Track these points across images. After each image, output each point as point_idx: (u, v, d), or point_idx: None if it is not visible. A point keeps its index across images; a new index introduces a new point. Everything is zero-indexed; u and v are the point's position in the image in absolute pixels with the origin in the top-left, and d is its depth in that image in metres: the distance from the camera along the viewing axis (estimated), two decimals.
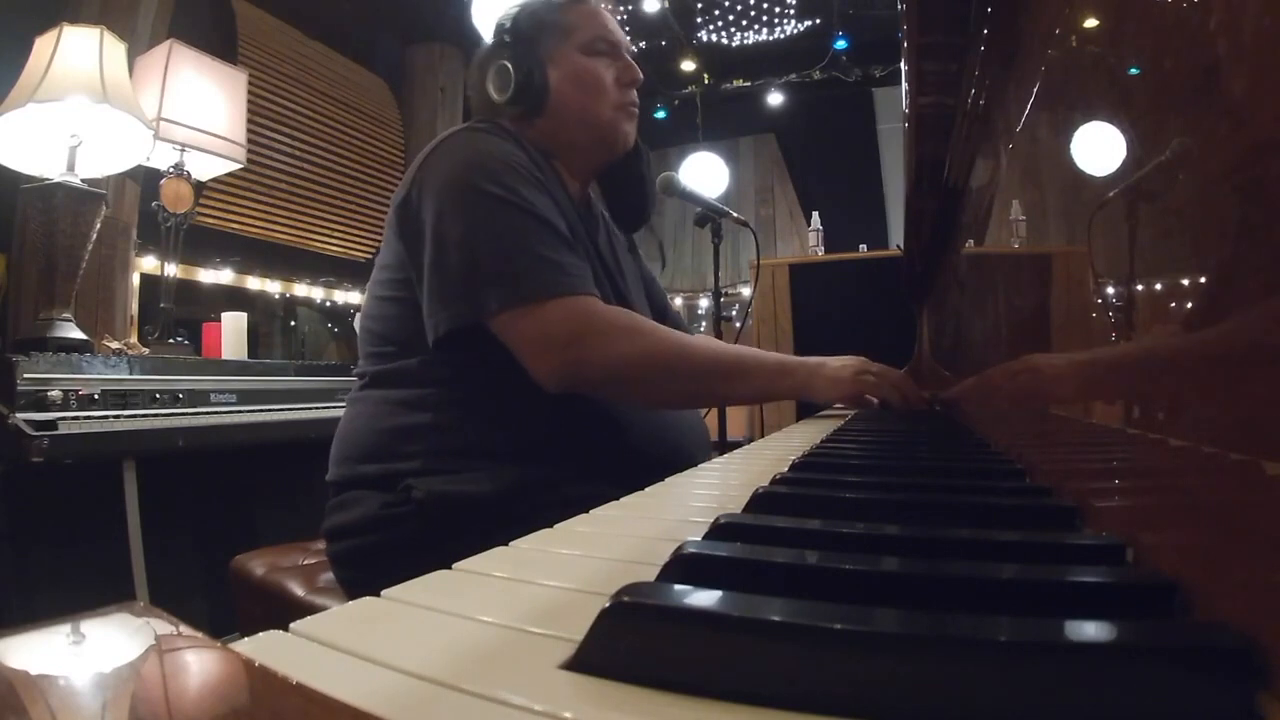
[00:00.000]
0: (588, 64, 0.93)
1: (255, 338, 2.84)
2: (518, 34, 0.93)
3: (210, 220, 2.71)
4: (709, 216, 1.66)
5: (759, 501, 0.37)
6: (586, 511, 0.43)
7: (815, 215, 3.21)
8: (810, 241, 3.17)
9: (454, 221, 0.79)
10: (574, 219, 0.88)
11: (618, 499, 0.47)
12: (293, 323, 3.32)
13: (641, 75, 0.97)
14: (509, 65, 0.91)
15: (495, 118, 0.95)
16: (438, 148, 0.86)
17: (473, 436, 0.80)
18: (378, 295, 0.88)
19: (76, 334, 1.60)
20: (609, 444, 0.85)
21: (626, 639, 0.19)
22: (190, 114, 2.04)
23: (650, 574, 0.26)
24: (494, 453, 0.79)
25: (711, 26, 4.61)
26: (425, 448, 0.79)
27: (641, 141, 1.04)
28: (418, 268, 0.81)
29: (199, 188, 2.19)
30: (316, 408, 1.93)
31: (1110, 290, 0.37)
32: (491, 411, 0.81)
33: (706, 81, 5.12)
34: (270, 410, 1.83)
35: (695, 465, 0.71)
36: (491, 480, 0.77)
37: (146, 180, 2.24)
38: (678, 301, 5.19)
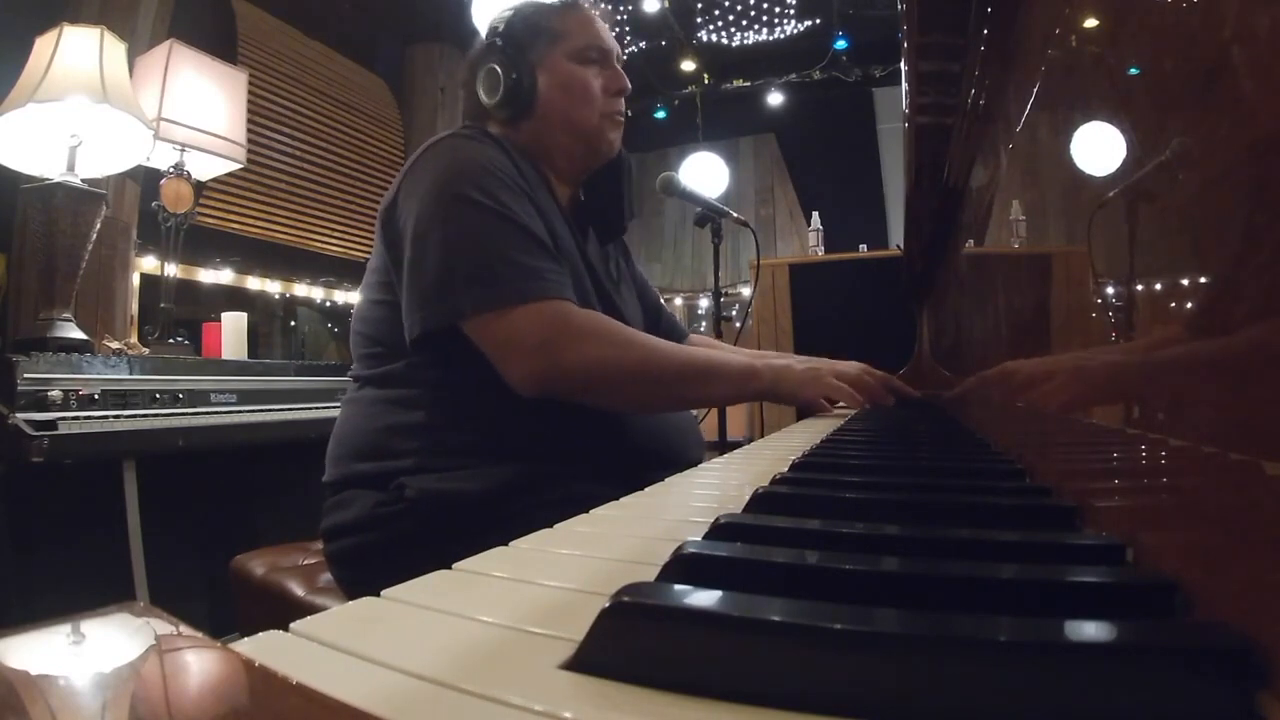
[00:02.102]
0: (576, 71, 0.94)
1: (255, 338, 2.84)
2: (509, 37, 0.94)
3: (210, 220, 2.71)
4: (709, 216, 1.66)
5: (759, 501, 0.37)
6: (585, 511, 0.43)
7: (815, 215, 3.21)
8: (810, 241, 3.17)
9: (433, 225, 0.79)
10: (559, 224, 0.89)
11: (617, 499, 0.47)
12: (293, 323, 3.32)
13: (629, 85, 0.98)
14: (498, 68, 0.92)
15: (484, 119, 0.97)
16: (423, 154, 0.86)
17: (465, 435, 0.80)
18: (367, 298, 0.89)
19: (76, 334, 1.60)
20: (602, 443, 0.85)
21: (626, 639, 0.19)
22: (190, 114, 2.04)
23: (650, 574, 0.25)
24: (486, 451, 0.80)
25: (711, 26, 4.61)
26: (418, 446, 0.79)
27: (626, 154, 1.04)
28: (399, 270, 0.82)
29: (199, 188, 2.19)
30: (316, 408, 1.93)
31: (1110, 290, 0.37)
32: (483, 410, 0.81)
33: (706, 81, 5.12)
34: (270, 410, 1.83)
35: (691, 465, 0.71)
36: (483, 478, 0.77)
37: (146, 180, 2.24)
38: (677, 302, 5.19)
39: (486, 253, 0.78)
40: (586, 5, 0.98)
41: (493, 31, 0.96)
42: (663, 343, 0.85)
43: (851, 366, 1.00)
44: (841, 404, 1.41)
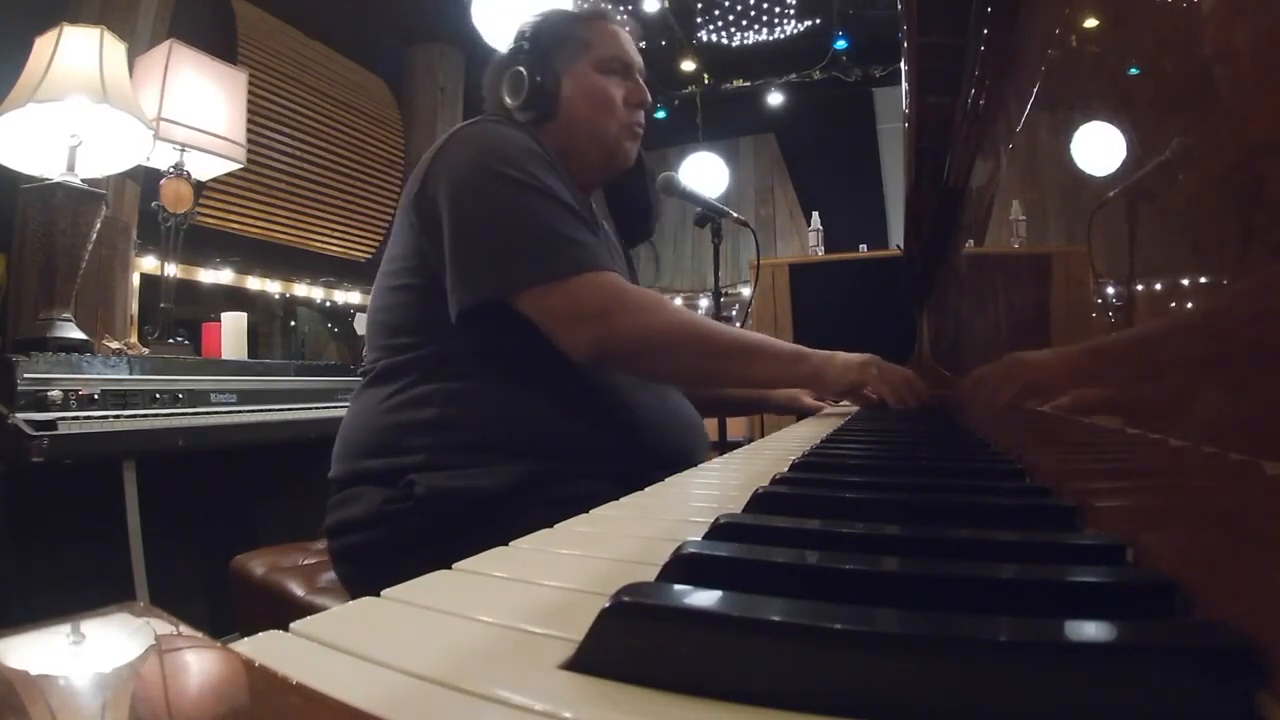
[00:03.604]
0: (600, 81, 0.96)
1: (255, 338, 2.84)
2: (537, 42, 0.96)
3: (210, 220, 2.71)
4: (709, 216, 1.66)
5: (759, 501, 0.37)
6: (586, 511, 0.43)
7: (815, 215, 3.21)
8: (810, 241, 3.16)
9: (477, 204, 0.81)
10: (586, 212, 0.90)
11: (618, 499, 0.47)
12: (293, 323, 3.32)
13: (650, 98, 1.00)
14: (524, 71, 0.94)
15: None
16: (453, 137, 0.88)
17: (477, 432, 0.80)
18: (389, 286, 0.89)
19: (76, 334, 1.60)
20: (611, 442, 0.85)
21: (627, 639, 0.19)
22: (190, 114, 2.04)
23: (650, 574, 0.26)
24: (497, 448, 0.80)
25: (711, 26, 4.61)
26: (429, 442, 0.80)
27: (647, 159, 1.07)
28: (439, 253, 0.82)
29: (199, 188, 2.19)
30: (316, 408, 1.93)
31: (1110, 290, 0.37)
32: (496, 407, 0.82)
33: (706, 81, 5.12)
34: (270, 410, 1.83)
35: (695, 464, 0.72)
36: (493, 476, 0.78)
37: (146, 180, 2.24)
38: (677, 301, 5.19)
39: (535, 227, 0.80)
40: (615, 19, 1.01)
41: (521, 35, 0.98)
42: (714, 321, 0.87)
43: (900, 369, 0.99)
44: (844, 403, 1.41)
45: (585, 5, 1.01)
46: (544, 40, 0.96)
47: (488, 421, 0.81)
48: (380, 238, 3.47)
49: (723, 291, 1.90)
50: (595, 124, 0.96)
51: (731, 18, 4.51)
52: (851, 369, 0.91)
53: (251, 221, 2.91)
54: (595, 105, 0.96)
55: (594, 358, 0.81)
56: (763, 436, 1.10)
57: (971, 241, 0.94)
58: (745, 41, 4.74)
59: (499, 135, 0.87)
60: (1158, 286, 0.30)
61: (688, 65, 4.91)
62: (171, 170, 2.02)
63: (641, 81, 1.00)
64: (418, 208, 0.85)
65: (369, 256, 3.45)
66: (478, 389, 0.82)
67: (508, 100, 0.96)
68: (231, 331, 2.16)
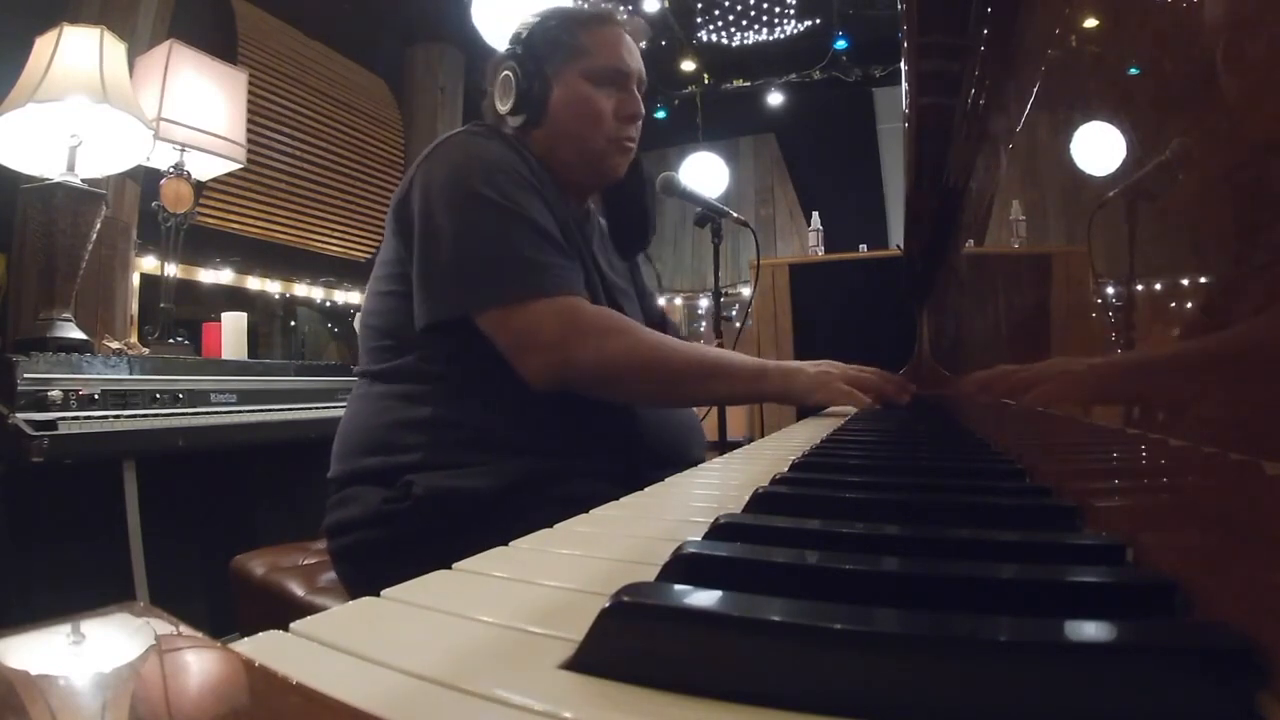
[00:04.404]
0: (589, 92, 0.92)
1: (255, 338, 2.84)
2: (531, 45, 0.93)
3: (210, 220, 2.71)
4: (709, 216, 1.65)
5: (759, 501, 0.37)
6: (586, 511, 0.43)
7: (815, 215, 3.21)
8: (810, 241, 3.16)
9: (446, 219, 0.81)
10: (569, 223, 0.89)
11: (616, 498, 0.47)
12: (293, 323, 3.31)
13: (642, 110, 0.96)
14: (513, 75, 0.92)
15: (499, 121, 0.97)
16: (436, 148, 0.87)
17: (472, 431, 0.81)
18: (378, 291, 0.89)
19: (76, 334, 1.60)
20: (608, 441, 0.85)
21: (627, 639, 0.19)
22: (190, 114, 2.04)
23: (650, 574, 0.26)
24: (493, 447, 0.80)
25: (711, 26, 4.60)
26: (426, 441, 0.80)
27: (648, 168, 1.05)
28: (413, 260, 0.83)
29: (199, 188, 2.19)
30: (316, 408, 1.93)
31: (1110, 290, 0.37)
32: (492, 406, 0.82)
33: (706, 81, 5.12)
34: (270, 410, 1.83)
35: (695, 464, 0.72)
36: (490, 475, 0.78)
37: (146, 180, 2.24)
38: (677, 302, 5.19)
39: (499, 248, 0.80)
40: (618, 22, 0.96)
41: (516, 37, 0.95)
42: (674, 340, 0.87)
43: (863, 369, 0.97)
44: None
45: (586, 4, 0.98)
46: (538, 43, 0.93)
47: (482, 420, 0.81)
48: (380, 238, 3.47)
49: (723, 291, 1.90)
50: (581, 137, 0.93)
51: (731, 18, 4.50)
52: (819, 388, 0.88)
53: (251, 221, 2.91)
54: (582, 117, 0.92)
55: (550, 385, 0.80)
56: (763, 436, 1.10)
57: (971, 241, 0.94)
58: (745, 41, 4.74)
59: (480, 150, 0.85)
60: (1158, 286, 0.30)
61: (688, 65, 4.91)
62: (171, 170, 2.02)
63: (637, 92, 0.96)
64: (399, 215, 0.86)
65: (369, 256, 3.44)
66: (472, 388, 0.82)
67: (497, 104, 0.94)
68: (231, 331, 2.16)
